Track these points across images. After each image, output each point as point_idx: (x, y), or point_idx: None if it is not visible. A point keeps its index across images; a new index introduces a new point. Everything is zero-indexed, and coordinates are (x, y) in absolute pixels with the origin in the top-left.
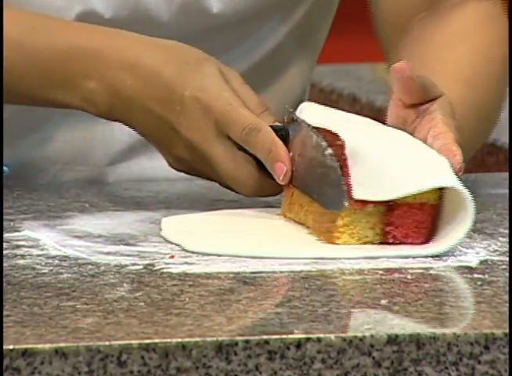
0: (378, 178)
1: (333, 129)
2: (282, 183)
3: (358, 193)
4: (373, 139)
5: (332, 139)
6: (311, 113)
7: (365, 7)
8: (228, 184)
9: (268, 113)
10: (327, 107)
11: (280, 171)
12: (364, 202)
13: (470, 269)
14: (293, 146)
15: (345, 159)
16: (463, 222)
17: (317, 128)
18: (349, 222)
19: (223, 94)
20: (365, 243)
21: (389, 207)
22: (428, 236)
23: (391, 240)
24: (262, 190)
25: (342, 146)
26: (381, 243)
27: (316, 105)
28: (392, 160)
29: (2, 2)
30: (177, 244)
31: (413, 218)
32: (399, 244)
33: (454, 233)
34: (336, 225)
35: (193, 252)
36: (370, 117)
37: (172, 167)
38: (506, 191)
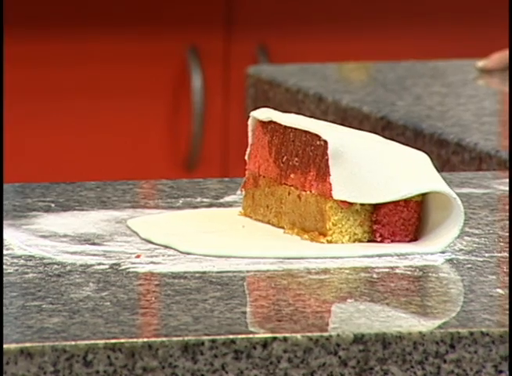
0: (361, 180)
1: (313, 130)
2: None
3: (338, 194)
4: (355, 140)
5: (312, 139)
6: (282, 116)
7: (330, 8)
8: None
9: None
10: (290, 114)
11: None
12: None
13: (435, 269)
14: None
15: (327, 159)
16: (454, 219)
17: (295, 129)
18: (337, 220)
19: None
20: (354, 241)
21: (375, 205)
22: (416, 233)
23: (378, 239)
24: None
25: (323, 146)
26: (369, 241)
27: (276, 111)
28: (376, 163)
29: (2, 2)
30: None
31: (399, 215)
32: (390, 242)
33: (448, 231)
34: (324, 224)
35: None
36: (337, 117)
37: None
38: (472, 190)
